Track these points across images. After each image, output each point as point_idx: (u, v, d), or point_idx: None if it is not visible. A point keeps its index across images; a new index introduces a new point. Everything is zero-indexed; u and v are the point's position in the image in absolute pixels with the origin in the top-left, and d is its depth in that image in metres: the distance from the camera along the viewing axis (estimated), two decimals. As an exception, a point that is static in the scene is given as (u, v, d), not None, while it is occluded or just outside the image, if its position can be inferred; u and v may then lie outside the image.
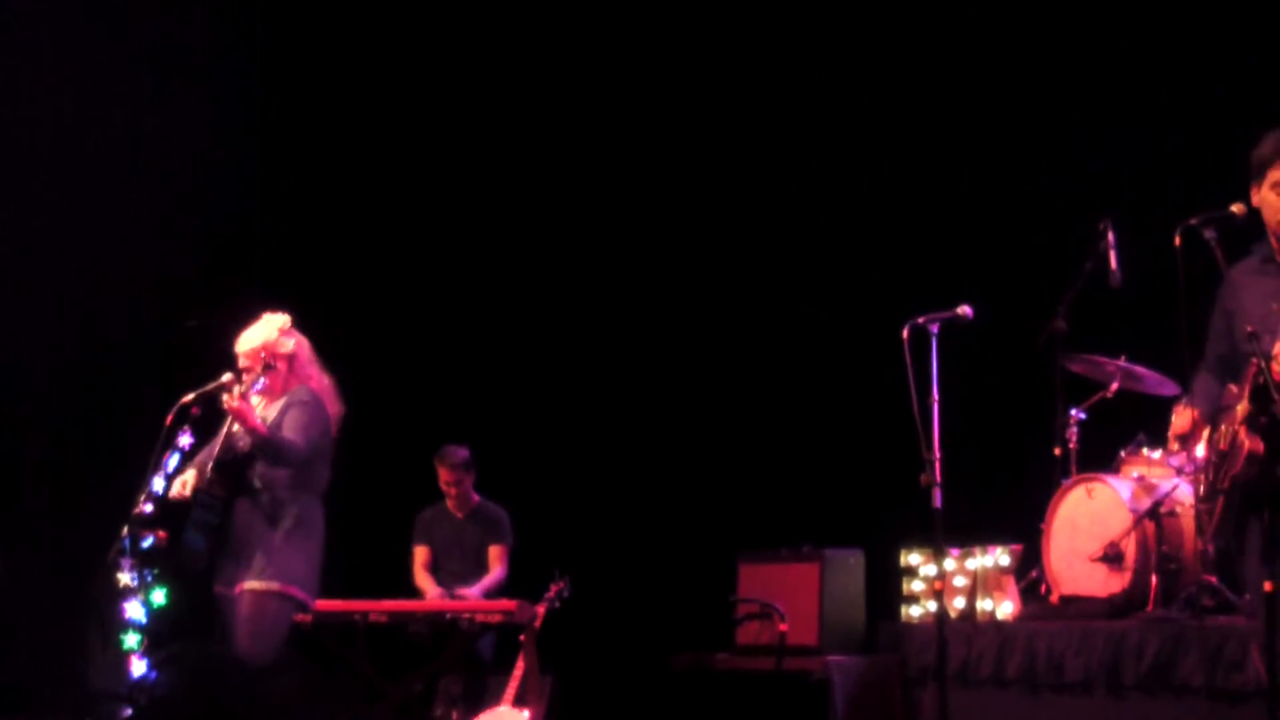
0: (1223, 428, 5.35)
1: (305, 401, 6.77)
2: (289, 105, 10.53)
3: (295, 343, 6.93)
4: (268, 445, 6.56)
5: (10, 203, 9.54)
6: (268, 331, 6.89)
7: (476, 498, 9.10)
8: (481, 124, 10.69)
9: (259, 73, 10.47)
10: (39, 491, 9.45)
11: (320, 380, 6.94)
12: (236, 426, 6.62)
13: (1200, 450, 5.61)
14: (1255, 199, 5.45)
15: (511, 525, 9.07)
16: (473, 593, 8.68)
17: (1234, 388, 5.39)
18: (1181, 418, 5.67)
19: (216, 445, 6.64)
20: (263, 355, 6.81)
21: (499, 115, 10.67)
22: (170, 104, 9.95)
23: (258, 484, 6.62)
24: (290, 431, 6.65)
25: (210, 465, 6.60)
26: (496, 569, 8.92)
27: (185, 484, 6.62)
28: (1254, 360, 5.17)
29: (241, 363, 6.84)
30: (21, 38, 9.63)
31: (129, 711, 8.13)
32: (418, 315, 10.50)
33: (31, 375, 9.58)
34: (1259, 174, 5.42)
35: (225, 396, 6.55)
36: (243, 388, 6.62)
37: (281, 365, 6.84)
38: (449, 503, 9.09)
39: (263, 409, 6.79)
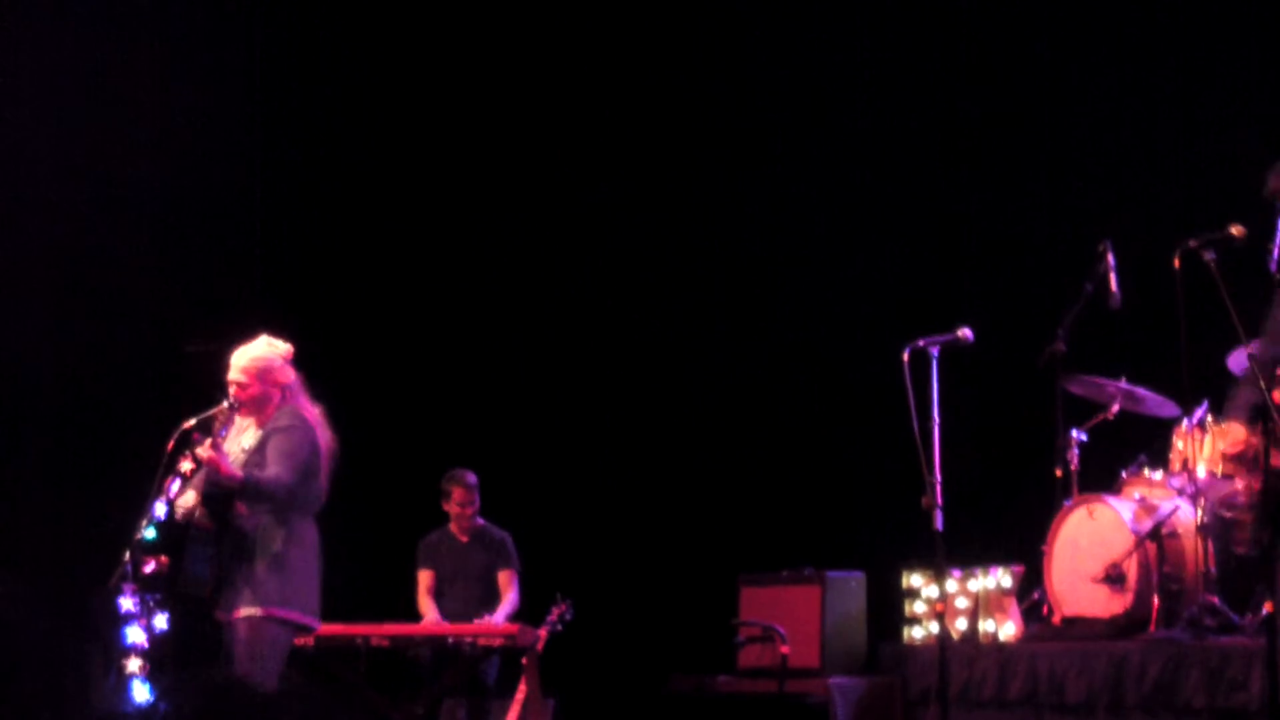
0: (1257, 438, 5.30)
1: (289, 426, 6.61)
2: (293, 125, 10.51)
3: (294, 374, 6.85)
4: (246, 491, 6.48)
5: (10, 220, 9.52)
6: (270, 355, 6.73)
7: (480, 521, 9.08)
8: (487, 148, 10.68)
9: (260, 87, 10.44)
10: (39, 515, 9.44)
11: (310, 410, 6.77)
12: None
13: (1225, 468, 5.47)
14: None
15: (516, 547, 9.04)
16: (497, 620, 8.57)
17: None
18: (1235, 435, 5.44)
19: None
20: (260, 376, 6.67)
21: (504, 141, 10.66)
22: (173, 119, 9.90)
23: (245, 511, 6.55)
24: (274, 463, 6.51)
25: (198, 500, 6.56)
26: (510, 594, 8.85)
27: (185, 506, 6.59)
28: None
29: (233, 375, 6.66)
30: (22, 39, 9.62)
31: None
32: (420, 338, 10.49)
33: (32, 398, 9.57)
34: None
35: (198, 450, 6.43)
36: (213, 438, 6.44)
37: (276, 394, 6.69)
38: (453, 526, 9.06)
39: (248, 436, 6.72)
